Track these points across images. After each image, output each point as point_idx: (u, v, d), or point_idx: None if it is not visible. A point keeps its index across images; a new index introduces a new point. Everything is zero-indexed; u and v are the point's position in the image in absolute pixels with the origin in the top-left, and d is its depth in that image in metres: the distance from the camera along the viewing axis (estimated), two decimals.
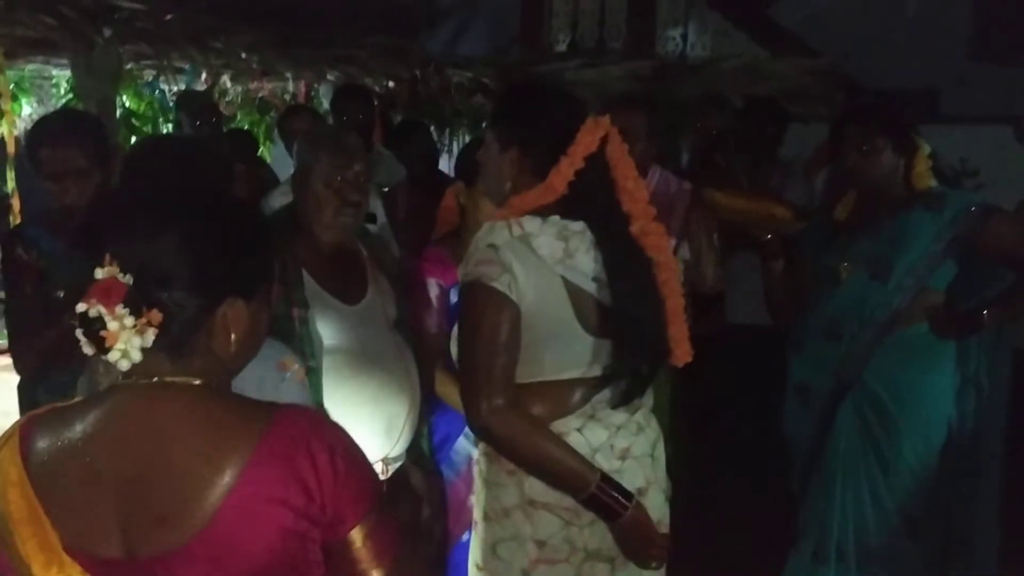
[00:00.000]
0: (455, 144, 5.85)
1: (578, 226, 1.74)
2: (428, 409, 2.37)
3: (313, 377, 2.10)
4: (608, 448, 1.74)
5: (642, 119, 2.83)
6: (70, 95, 4.49)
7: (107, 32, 3.80)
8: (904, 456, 2.49)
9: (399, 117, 5.24)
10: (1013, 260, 2.42)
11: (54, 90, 4.73)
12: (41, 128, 2.38)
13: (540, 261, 1.70)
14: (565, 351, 1.73)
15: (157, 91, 4.79)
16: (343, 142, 2.26)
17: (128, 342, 1.03)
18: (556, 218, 1.73)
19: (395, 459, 2.28)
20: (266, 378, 1.57)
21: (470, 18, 8.00)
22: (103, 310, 1.02)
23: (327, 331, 2.15)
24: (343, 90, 4.32)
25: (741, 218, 2.68)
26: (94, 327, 1.03)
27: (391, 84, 5.27)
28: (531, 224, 1.72)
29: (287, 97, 5.51)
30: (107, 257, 1.04)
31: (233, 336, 1.10)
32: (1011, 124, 5.06)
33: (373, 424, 2.17)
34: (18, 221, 3.98)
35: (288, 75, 4.91)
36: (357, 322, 2.21)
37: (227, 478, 1.03)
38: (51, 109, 4.50)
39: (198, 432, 1.06)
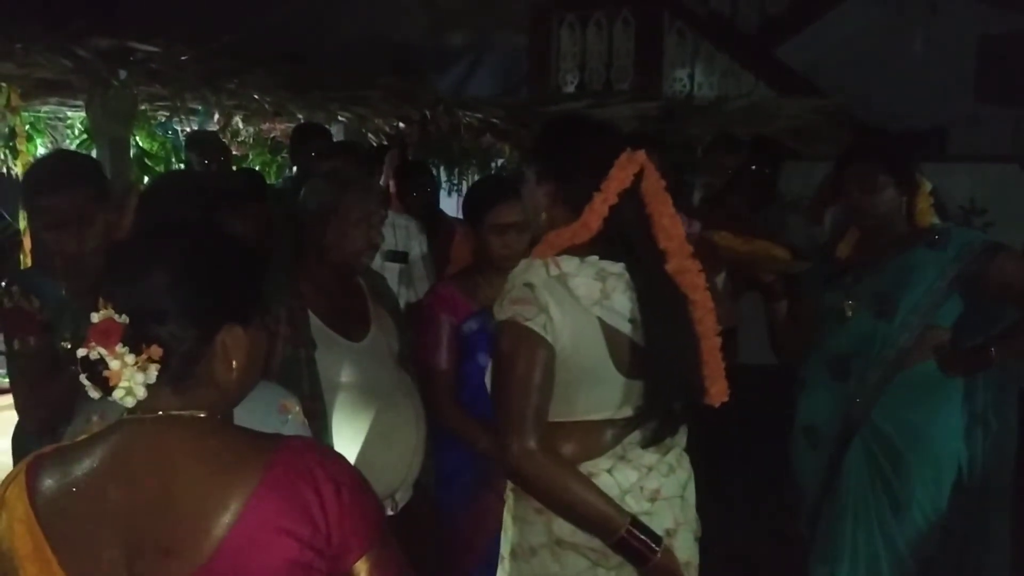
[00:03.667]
0: (464, 184, 5.89)
1: (616, 267, 1.71)
2: (434, 443, 2.37)
3: (322, 417, 2.10)
4: (638, 490, 1.72)
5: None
6: (84, 136, 4.55)
7: (122, 74, 3.87)
8: (916, 496, 2.46)
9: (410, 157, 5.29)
10: (1018, 297, 2.40)
11: (68, 131, 4.79)
12: (35, 176, 2.24)
13: (576, 302, 1.67)
14: (598, 392, 1.71)
15: (170, 131, 4.86)
16: (372, 187, 2.31)
17: (131, 379, 1.05)
18: (594, 259, 1.71)
19: (403, 494, 2.28)
20: (267, 421, 1.57)
21: (479, 60, 8.11)
22: (103, 351, 1.04)
23: (334, 369, 2.16)
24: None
25: (742, 259, 2.68)
26: (97, 369, 1.04)
27: (401, 125, 5.33)
28: (568, 264, 1.69)
29: None
30: (101, 301, 1.07)
31: (234, 363, 1.12)
32: (1019, 163, 5.06)
33: (382, 460, 2.17)
34: (29, 260, 4.01)
35: (299, 116, 4.97)
36: (362, 359, 2.22)
37: (232, 509, 1.04)
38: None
39: (203, 464, 1.07)
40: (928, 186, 2.48)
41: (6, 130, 4.21)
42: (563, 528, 1.69)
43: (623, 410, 1.73)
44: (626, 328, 1.70)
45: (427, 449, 2.30)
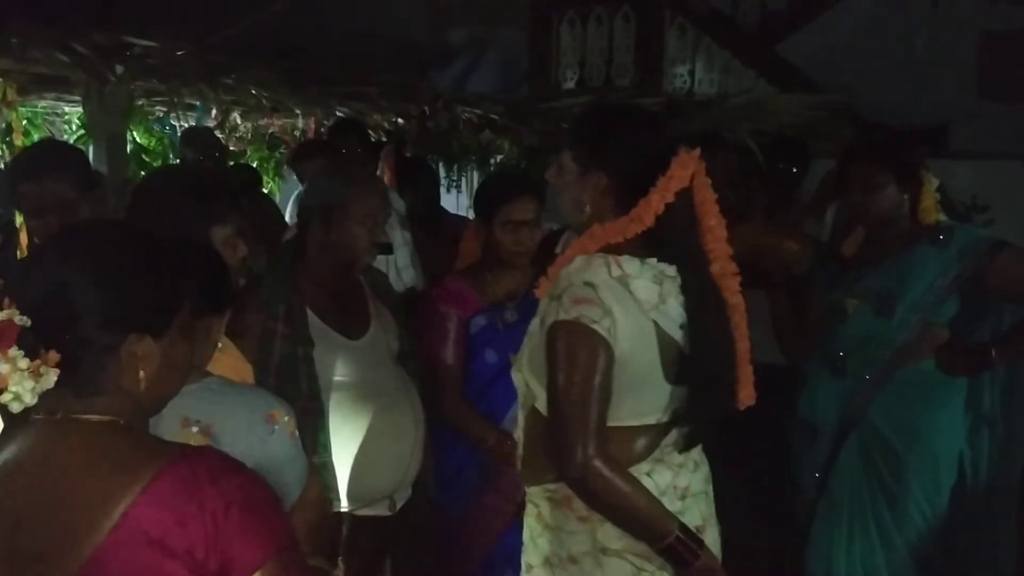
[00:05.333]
0: (463, 180, 5.86)
1: (671, 270, 1.68)
2: (436, 442, 2.35)
3: (319, 416, 2.09)
4: (672, 489, 1.71)
5: None
6: (81, 131, 4.54)
7: (119, 69, 3.84)
8: (914, 495, 2.45)
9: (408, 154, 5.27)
10: (1020, 297, 2.38)
11: (66, 126, 4.78)
12: (18, 163, 2.30)
13: (637, 305, 1.64)
14: (644, 398, 1.69)
15: (168, 127, 4.84)
16: (377, 185, 2.29)
17: (20, 385, 1.01)
18: (653, 261, 1.67)
19: (401, 494, 2.26)
20: (253, 431, 1.54)
21: (479, 56, 8.08)
22: None
23: (332, 368, 2.15)
24: (339, 124, 4.38)
25: (746, 252, 2.66)
26: None
27: (400, 120, 5.31)
28: (630, 265, 1.66)
29: (297, 133, 5.56)
30: (6, 301, 1.04)
31: (142, 373, 1.08)
32: (1021, 160, 5.05)
33: (380, 459, 2.16)
34: (25, 255, 4.00)
35: (298, 112, 4.95)
36: (361, 357, 2.20)
37: (111, 518, 1.00)
38: None
39: (91, 469, 1.03)
40: (935, 183, 2.46)
41: (3, 125, 4.19)
42: (608, 536, 1.67)
43: (665, 415, 1.71)
44: (677, 334, 1.68)
45: (426, 448, 2.28)
